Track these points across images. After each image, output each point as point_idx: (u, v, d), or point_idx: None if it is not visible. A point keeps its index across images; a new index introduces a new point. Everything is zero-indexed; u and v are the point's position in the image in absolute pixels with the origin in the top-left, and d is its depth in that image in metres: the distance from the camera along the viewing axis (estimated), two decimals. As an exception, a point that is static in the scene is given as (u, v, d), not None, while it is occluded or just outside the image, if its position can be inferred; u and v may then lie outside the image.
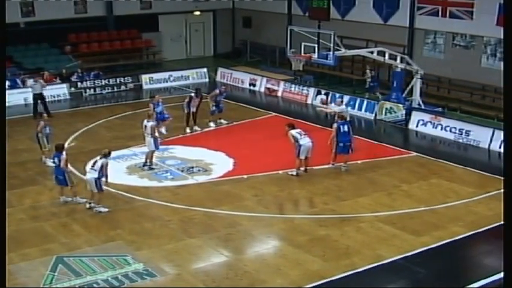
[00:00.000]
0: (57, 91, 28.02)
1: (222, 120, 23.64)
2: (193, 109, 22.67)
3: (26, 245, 13.96)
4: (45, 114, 21.51)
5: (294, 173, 18.33)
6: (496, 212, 15.08)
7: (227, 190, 17.40)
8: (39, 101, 24.82)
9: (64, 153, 16.16)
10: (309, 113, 26.21)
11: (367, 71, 27.98)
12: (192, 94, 22.98)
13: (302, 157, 18.22)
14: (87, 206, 15.86)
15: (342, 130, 18.57)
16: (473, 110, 24.76)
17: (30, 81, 26.05)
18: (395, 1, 29.10)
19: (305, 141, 18.22)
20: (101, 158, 15.78)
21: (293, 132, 18.34)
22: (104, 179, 15.78)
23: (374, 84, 27.78)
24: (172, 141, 21.44)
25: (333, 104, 22.85)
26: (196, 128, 22.78)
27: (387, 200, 16.73)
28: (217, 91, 23.79)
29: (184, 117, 22.74)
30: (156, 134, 18.88)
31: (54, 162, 16.43)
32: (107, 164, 15.79)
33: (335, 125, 18.75)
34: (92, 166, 15.91)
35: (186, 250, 13.89)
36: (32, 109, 24.95)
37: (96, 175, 15.57)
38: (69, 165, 16.33)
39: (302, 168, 18.38)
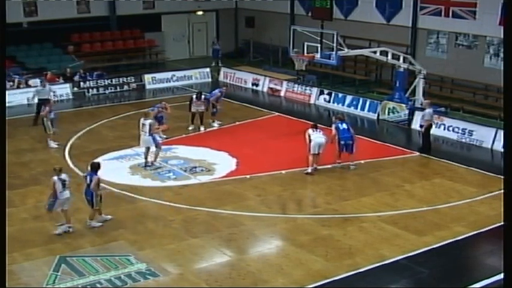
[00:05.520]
0: (60, 91, 27.99)
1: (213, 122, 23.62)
2: (199, 108, 22.65)
3: (29, 244, 13.97)
4: (52, 100, 21.70)
5: (309, 171, 18.29)
6: (499, 211, 15.00)
7: (230, 190, 17.40)
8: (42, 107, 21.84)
9: (98, 173, 14.71)
10: (312, 112, 26.22)
11: (214, 40, 36.41)
12: (193, 96, 23.01)
13: (313, 152, 18.13)
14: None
15: (341, 128, 18.58)
16: (476, 110, 24.70)
17: (37, 86, 23.77)
18: (398, 1, 29.07)
19: (315, 136, 18.16)
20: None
21: (309, 130, 18.37)
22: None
23: (216, 48, 35.60)
24: (175, 141, 21.45)
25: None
26: (201, 128, 22.76)
27: (390, 199, 16.72)
28: (218, 93, 23.69)
29: (189, 117, 22.82)
30: (156, 132, 18.82)
31: (86, 181, 14.84)
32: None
33: (333, 126, 18.76)
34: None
35: (188, 250, 13.90)
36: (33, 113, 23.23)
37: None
38: (101, 187, 14.96)
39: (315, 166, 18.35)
